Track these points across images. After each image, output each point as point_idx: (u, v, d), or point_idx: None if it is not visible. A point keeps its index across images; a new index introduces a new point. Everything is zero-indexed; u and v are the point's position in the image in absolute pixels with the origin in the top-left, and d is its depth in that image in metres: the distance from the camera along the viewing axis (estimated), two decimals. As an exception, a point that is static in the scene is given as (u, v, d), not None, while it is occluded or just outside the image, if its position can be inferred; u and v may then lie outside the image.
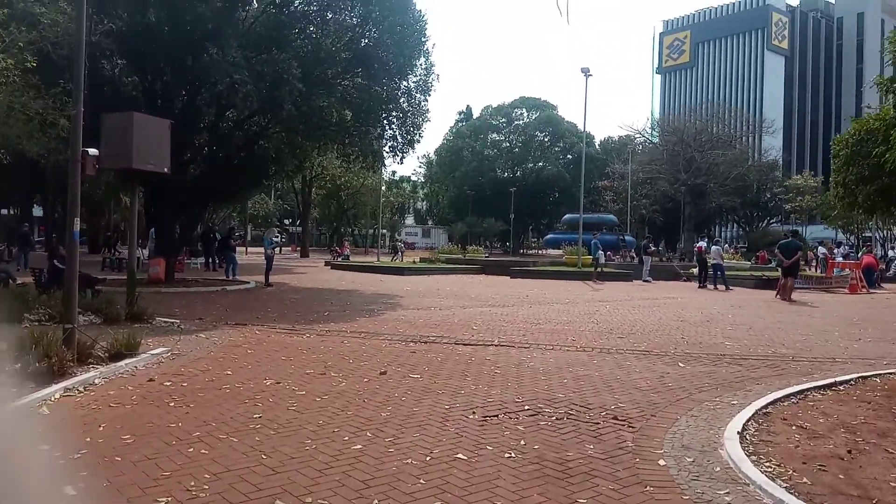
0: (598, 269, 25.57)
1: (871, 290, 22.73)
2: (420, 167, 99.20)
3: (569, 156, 79.23)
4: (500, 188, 75.32)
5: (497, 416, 5.76)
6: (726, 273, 22.76)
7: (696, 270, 24.58)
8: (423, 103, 20.41)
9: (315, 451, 4.73)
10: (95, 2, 15.09)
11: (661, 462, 4.61)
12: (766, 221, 69.74)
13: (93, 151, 7.92)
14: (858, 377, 7.37)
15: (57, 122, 13.59)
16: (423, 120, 20.70)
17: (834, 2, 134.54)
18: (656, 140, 64.79)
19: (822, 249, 30.12)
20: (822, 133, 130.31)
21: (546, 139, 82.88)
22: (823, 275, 24.70)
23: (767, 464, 4.50)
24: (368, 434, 5.15)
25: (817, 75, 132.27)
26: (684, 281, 25.96)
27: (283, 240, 64.25)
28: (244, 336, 9.96)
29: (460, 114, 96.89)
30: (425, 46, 19.65)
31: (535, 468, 4.47)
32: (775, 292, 19.10)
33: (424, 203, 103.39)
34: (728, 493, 4.07)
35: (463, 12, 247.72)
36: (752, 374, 7.76)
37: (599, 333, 10.93)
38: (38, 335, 7.28)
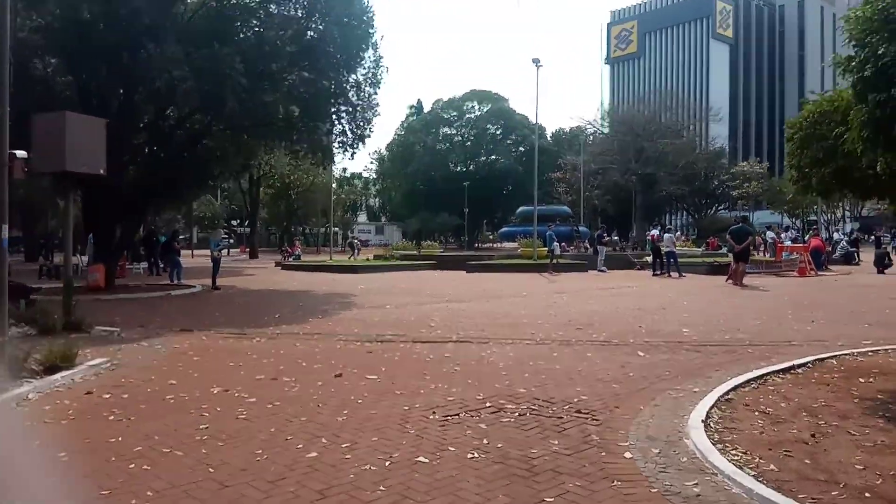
0: (554, 261, 25.64)
1: (819, 273, 23.32)
2: (371, 163, 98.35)
3: (521, 148, 79.62)
4: (453, 182, 75.26)
5: (458, 414, 5.56)
6: (679, 260, 23.07)
7: (649, 259, 24.86)
8: (372, 97, 20.04)
9: (267, 462, 4.45)
10: (22, -4, 14.38)
11: (628, 455, 4.48)
12: (714, 208, 71.33)
13: (21, 154, 7.42)
14: (815, 359, 7.41)
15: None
16: (373, 114, 20.34)
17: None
18: (607, 131, 65.62)
19: (770, 234, 30.85)
20: (766, 119, 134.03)
21: (498, 132, 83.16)
22: (773, 259, 25.25)
23: (734, 452, 4.41)
24: (324, 440, 4.89)
25: (761, 62, 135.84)
26: (638, 269, 26.25)
27: (232, 241, 63.08)
28: (190, 343, 9.54)
29: (411, 108, 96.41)
30: (373, 39, 19.26)
31: (500, 468, 4.28)
32: (726, 277, 19.41)
33: (377, 200, 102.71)
34: (696, 483, 3.96)
35: (411, 5, 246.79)
36: (711, 360, 7.74)
37: (558, 325, 10.84)
38: (-36, 350, 6.79)
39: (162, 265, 25.56)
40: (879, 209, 66.47)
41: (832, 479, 3.90)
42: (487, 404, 5.86)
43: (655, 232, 26.10)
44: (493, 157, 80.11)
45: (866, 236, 41.24)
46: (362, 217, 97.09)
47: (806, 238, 30.31)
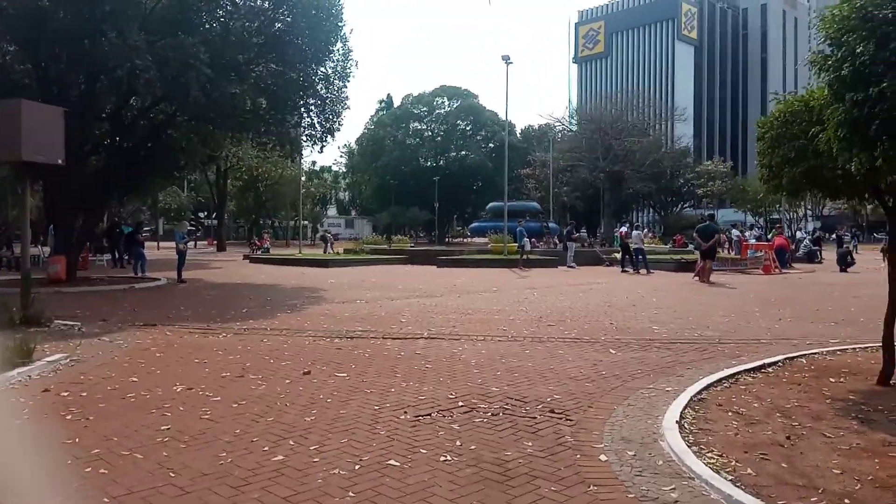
0: (524, 257, 25.65)
1: (784, 271, 23.69)
2: (341, 157, 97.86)
3: (491, 144, 79.80)
4: (423, 177, 75.17)
5: (430, 414, 5.44)
6: (647, 257, 23.25)
7: (618, 255, 25.00)
8: (342, 90, 19.78)
9: (231, 466, 4.27)
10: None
11: (603, 457, 4.40)
12: (680, 206, 72.30)
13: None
14: (785, 358, 7.44)
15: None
16: (342, 107, 20.07)
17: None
18: (575, 128, 66.00)
19: (735, 232, 31.30)
20: (729, 120, 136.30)
21: (468, 128, 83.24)
22: (738, 257, 25.59)
23: (710, 454, 4.35)
24: (291, 442, 4.72)
25: (724, 64, 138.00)
26: (607, 266, 26.40)
27: (199, 234, 62.01)
28: (153, 338, 9.26)
29: (381, 102, 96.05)
30: (342, 31, 19.01)
31: (473, 471, 4.17)
32: (693, 274, 19.60)
33: (347, 193, 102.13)
34: (674, 488, 3.88)
35: (381, 2, 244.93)
36: (682, 358, 7.73)
37: (529, 322, 10.78)
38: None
39: (126, 257, 24.97)
40: (840, 209, 68.08)
41: (811, 485, 3.85)
42: (460, 403, 5.75)
43: (624, 229, 26.28)
44: (464, 152, 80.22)
45: (827, 235, 42.04)
46: (332, 211, 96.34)
47: (769, 236, 30.81)
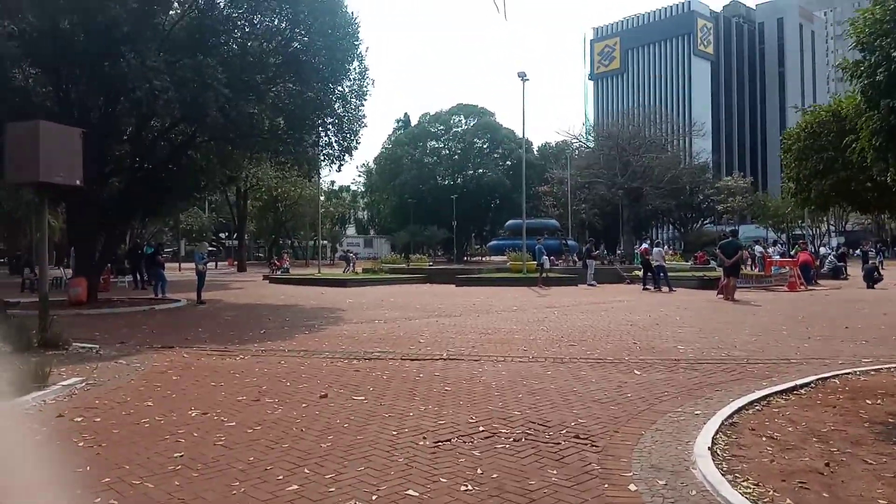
0: (544, 275, 25.41)
1: (809, 287, 23.23)
2: (359, 176, 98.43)
3: (508, 162, 79.83)
4: (441, 196, 75.30)
5: (450, 440, 5.25)
6: (668, 274, 22.91)
7: (639, 273, 24.68)
8: (359, 108, 19.82)
9: (243, 496, 4.11)
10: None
11: (632, 487, 4.18)
12: (700, 222, 71.68)
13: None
14: (818, 379, 7.16)
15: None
16: (359, 126, 20.10)
17: (755, 7, 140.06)
18: (592, 145, 65.82)
19: (758, 248, 30.79)
20: (748, 135, 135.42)
21: (485, 146, 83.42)
22: (762, 273, 25.14)
23: (745, 483, 4.13)
24: (306, 470, 4.56)
25: (742, 78, 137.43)
26: (628, 283, 26.07)
27: (221, 253, 62.44)
28: (170, 360, 9.17)
29: (398, 122, 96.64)
30: (358, 50, 19.07)
31: (497, 502, 3.98)
32: (717, 292, 19.23)
33: (365, 213, 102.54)
34: (709, 520, 3.67)
35: (397, 20, 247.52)
36: (710, 379, 7.48)
37: (551, 341, 10.56)
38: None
39: (148, 278, 25.11)
40: (863, 223, 67.07)
41: (854, 515, 3.63)
42: (480, 428, 5.56)
43: (645, 245, 25.96)
44: (481, 170, 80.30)
45: (851, 251, 41.32)
46: (351, 230, 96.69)
47: (793, 252, 30.29)
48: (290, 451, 4.99)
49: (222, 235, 74.04)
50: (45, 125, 9.18)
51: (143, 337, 11.62)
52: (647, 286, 22.85)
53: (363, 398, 6.71)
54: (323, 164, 22.69)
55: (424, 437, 5.31)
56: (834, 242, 59.62)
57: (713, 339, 10.68)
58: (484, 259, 59.91)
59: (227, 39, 17.76)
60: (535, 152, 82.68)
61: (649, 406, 6.26)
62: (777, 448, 4.86)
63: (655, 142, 61.90)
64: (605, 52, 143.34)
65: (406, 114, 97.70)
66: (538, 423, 5.71)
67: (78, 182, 9.44)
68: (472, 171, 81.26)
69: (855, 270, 30.26)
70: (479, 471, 4.51)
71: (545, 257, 26.29)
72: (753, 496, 3.90)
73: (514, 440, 5.21)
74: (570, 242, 41.63)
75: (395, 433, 5.44)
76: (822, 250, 38.20)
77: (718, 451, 4.76)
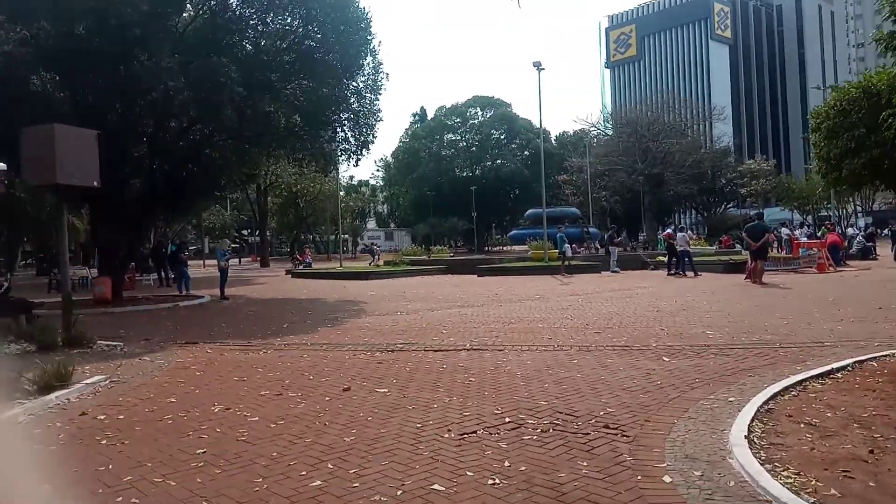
0: (566, 263, 25.17)
1: (839, 269, 22.76)
2: (378, 170, 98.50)
3: (526, 152, 79.38)
4: (459, 187, 75.11)
5: (475, 432, 5.12)
6: (693, 259, 22.58)
7: (663, 258, 24.36)
8: (374, 103, 19.72)
9: (266, 493, 4.03)
10: (7, 9, 14.06)
11: (667, 479, 4.02)
12: (723, 206, 70.67)
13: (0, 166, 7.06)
14: (854, 362, 6.92)
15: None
16: (375, 120, 20.01)
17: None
18: (611, 132, 65.09)
19: (785, 230, 30.25)
20: (769, 117, 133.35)
21: (502, 137, 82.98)
22: (790, 256, 24.68)
23: (785, 473, 3.95)
24: (329, 466, 4.47)
25: (761, 61, 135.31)
26: (652, 269, 25.75)
27: (244, 250, 62.85)
28: (194, 356, 9.15)
29: (414, 115, 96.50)
30: (371, 45, 18.97)
31: (525, 496, 3.84)
32: (745, 275, 18.87)
33: (385, 206, 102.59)
34: (749, 512, 3.50)
35: (410, 11, 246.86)
36: (742, 364, 7.27)
37: (575, 329, 10.39)
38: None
39: (173, 276, 25.32)
40: (891, 202, 65.67)
41: (904, 505, 3.44)
42: (506, 420, 5.42)
43: (670, 230, 25.60)
44: (499, 161, 79.95)
45: (879, 230, 40.46)
46: (371, 223, 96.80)
47: (820, 234, 29.72)
48: (313, 446, 4.91)
49: (245, 232, 74.51)
50: (61, 128, 9.18)
51: (167, 333, 11.64)
52: (672, 272, 22.52)
53: (386, 391, 6.61)
54: (340, 159, 22.64)
55: (449, 430, 5.19)
56: (861, 223, 58.53)
57: (743, 323, 10.43)
58: (505, 249, 59.62)
59: (241, 39, 17.76)
60: (553, 142, 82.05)
61: (680, 394, 6.08)
62: (817, 435, 4.67)
63: (675, 127, 60.98)
64: (621, 39, 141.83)
65: (422, 107, 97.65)
66: (566, 413, 5.57)
67: (95, 183, 9.44)
68: (490, 163, 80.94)
69: (884, 250, 29.62)
70: (506, 463, 4.38)
71: (567, 245, 26.01)
72: (795, 486, 3.73)
73: (542, 431, 5.07)
74: (591, 230, 41.25)
75: (419, 426, 5.33)
76: (850, 231, 37.48)
77: (755, 440, 4.58)
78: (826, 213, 61.82)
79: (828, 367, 6.65)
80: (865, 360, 7.07)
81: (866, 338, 8.66)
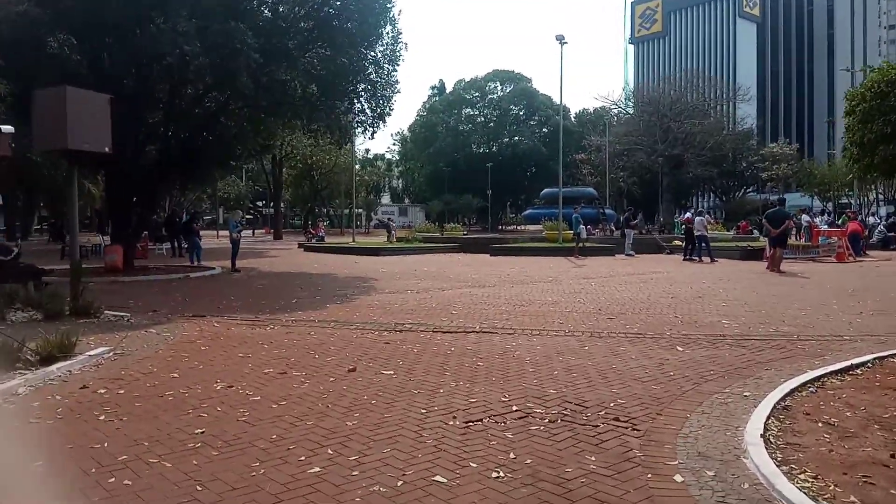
0: (580, 245, 24.91)
1: (858, 258, 22.33)
2: (394, 144, 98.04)
3: (544, 129, 78.53)
4: (476, 164, 74.53)
5: (481, 420, 4.98)
6: (711, 244, 22.24)
7: (680, 243, 24.03)
8: (392, 74, 19.45)
9: (263, 479, 3.91)
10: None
11: (678, 478, 3.86)
12: (742, 191, 69.78)
13: (6, 129, 6.93)
14: (875, 358, 6.69)
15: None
16: (392, 92, 19.74)
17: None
18: (632, 111, 64.23)
19: (805, 218, 29.73)
20: (794, 99, 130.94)
21: (521, 112, 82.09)
22: (809, 244, 24.25)
23: (802, 476, 3.77)
24: (329, 451, 4.34)
25: (789, 41, 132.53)
26: (667, 254, 25.44)
27: (258, 221, 62.91)
28: (200, 330, 9.07)
29: (433, 88, 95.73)
30: (391, 13, 18.63)
31: (529, 492, 3.69)
32: (766, 264, 18.44)
33: (400, 181, 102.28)
34: (764, 518, 3.34)
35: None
36: (758, 357, 7.07)
37: (588, 314, 10.21)
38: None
39: (186, 246, 25.37)
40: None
41: (928, 516, 3.26)
42: (514, 408, 5.27)
43: (688, 215, 25.23)
44: (517, 137, 79.17)
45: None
46: (385, 198, 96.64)
47: (840, 222, 29.19)
48: (315, 429, 4.79)
49: (259, 203, 74.65)
50: (73, 90, 9.01)
51: (176, 305, 11.59)
52: (688, 257, 22.21)
53: (392, 373, 6.48)
54: (356, 131, 22.42)
55: (454, 417, 5.05)
56: (882, 211, 57.51)
57: (760, 312, 10.20)
58: (519, 228, 59.33)
59: (259, 4, 17.46)
60: (573, 119, 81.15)
61: (694, 386, 5.90)
62: (835, 436, 4.48)
63: (698, 107, 60.06)
64: (647, 14, 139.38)
65: (441, 80, 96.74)
66: (575, 402, 5.41)
67: (107, 149, 9.30)
68: (507, 139, 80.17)
69: (906, 241, 29.05)
70: (511, 455, 4.24)
71: (582, 226, 25.73)
72: (813, 491, 3.55)
73: (550, 421, 4.92)
74: (607, 211, 40.88)
75: (423, 412, 5.20)
76: (871, 220, 36.82)
77: (771, 439, 4.41)
78: (847, 201, 60.81)
79: (847, 363, 6.43)
80: (886, 356, 6.84)
81: (887, 332, 8.42)
